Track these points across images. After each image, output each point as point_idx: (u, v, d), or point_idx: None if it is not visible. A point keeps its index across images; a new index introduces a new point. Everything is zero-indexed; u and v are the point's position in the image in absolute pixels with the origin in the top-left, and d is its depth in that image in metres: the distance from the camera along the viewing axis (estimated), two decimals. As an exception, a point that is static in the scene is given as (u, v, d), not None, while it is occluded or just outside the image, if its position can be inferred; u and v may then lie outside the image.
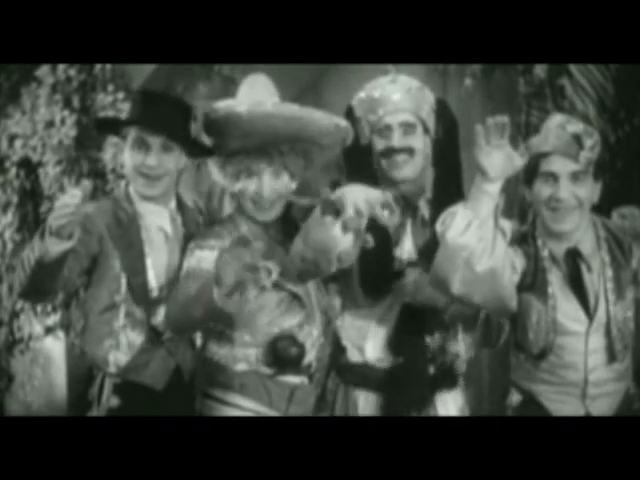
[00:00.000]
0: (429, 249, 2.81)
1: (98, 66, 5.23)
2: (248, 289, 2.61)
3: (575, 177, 2.75)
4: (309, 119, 2.85)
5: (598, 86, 4.53)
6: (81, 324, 2.95)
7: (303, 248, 2.72)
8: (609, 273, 2.82)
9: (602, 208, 2.91)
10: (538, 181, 2.78)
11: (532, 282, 2.80)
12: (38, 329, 5.54)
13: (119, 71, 5.25)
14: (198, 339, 2.98)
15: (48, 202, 5.18)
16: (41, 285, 2.72)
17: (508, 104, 4.64)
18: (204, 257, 2.82)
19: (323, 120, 2.87)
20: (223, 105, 2.88)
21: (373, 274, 2.93)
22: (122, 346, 2.87)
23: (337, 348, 3.03)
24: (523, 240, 2.84)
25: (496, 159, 2.60)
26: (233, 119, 2.83)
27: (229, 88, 4.55)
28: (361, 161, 3.01)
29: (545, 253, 2.82)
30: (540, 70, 4.63)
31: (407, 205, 2.99)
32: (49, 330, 5.49)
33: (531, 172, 2.78)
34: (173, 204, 3.01)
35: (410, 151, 2.95)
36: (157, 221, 2.95)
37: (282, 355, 2.85)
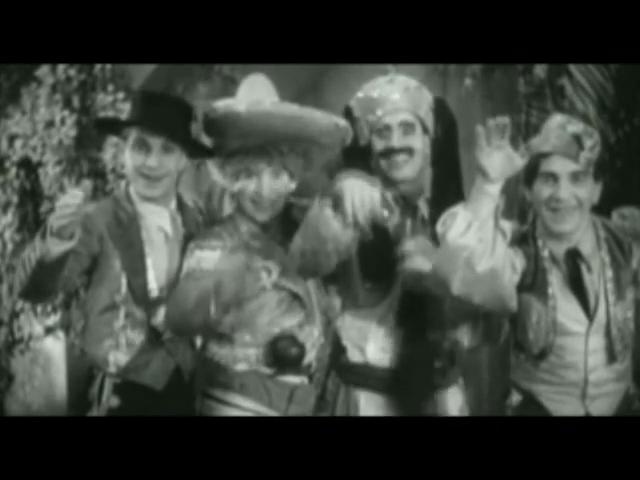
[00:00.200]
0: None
1: (98, 66, 5.23)
2: (245, 304, 2.68)
3: (575, 177, 2.75)
4: (309, 118, 2.85)
5: (598, 86, 4.53)
6: (81, 324, 2.95)
7: (302, 243, 2.73)
8: (609, 273, 2.82)
9: (602, 208, 2.91)
10: (538, 181, 2.78)
11: (532, 282, 2.80)
12: (38, 329, 5.54)
13: (119, 71, 5.25)
14: (198, 339, 2.98)
15: (48, 202, 5.18)
16: (42, 285, 2.72)
17: (508, 104, 4.64)
18: (204, 257, 2.82)
19: (322, 119, 2.87)
20: (222, 104, 2.89)
21: (374, 259, 2.91)
22: (122, 346, 2.87)
23: (337, 348, 3.03)
24: (523, 240, 2.84)
25: (497, 160, 2.60)
26: (232, 118, 2.83)
27: (229, 88, 4.55)
28: (360, 162, 3.00)
29: (545, 253, 2.82)
30: (540, 70, 4.63)
31: (407, 205, 2.99)
32: (49, 330, 5.49)
33: (531, 172, 2.78)
34: (173, 204, 3.01)
35: (410, 151, 2.94)
36: (157, 221, 2.95)
37: (282, 355, 2.85)
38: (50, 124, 5.21)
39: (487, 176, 2.60)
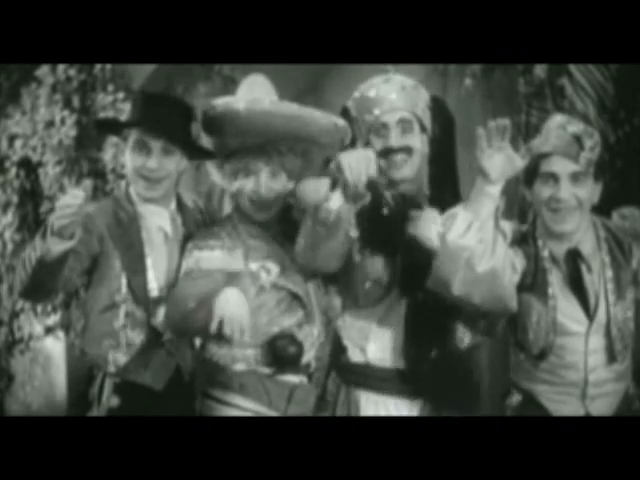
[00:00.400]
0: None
1: (98, 66, 5.24)
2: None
3: (575, 178, 2.75)
4: (308, 118, 2.85)
5: (598, 86, 4.53)
6: (81, 324, 2.95)
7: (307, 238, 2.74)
8: (609, 273, 2.82)
9: (602, 208, 2.91)
10: (538, 182, 2.78)
11: (532, 282, 2.80)
12: (38, 329, 5.55)
13: (119, 71, 5.26)
14: (197, 339, 2.98)
15: (48, 202, 5.19)
16: (42, 284, 2.72)
17: (508, 104, 4.64)
18: (203, 257, 2.83)
19: (322, 119, 2.87)
20: (221, 102, 2.88)
21: (374, 229, 2.91)
22: (122, 346, 2.87)
23: (338, 348, 3.03)
24: (523, 241, 2.84)
25: (497, 161, 2.60)
26: (231, 116, 2.83)
27: (229, 88, 4.55)
28: None
29: (545, 253, 2.82)
30: (540, 70, 4.63)
31: (407, 204, 2.99)
32: (49, 330, 5.50)
33: (531, 173, 2.79)
34: (173, 205, 3.01)
35: (408, 150, 2.93)
36: (157, 221, 2.95)
37: (281, 354, 2.85)
38: (50, 124, 5.22)
39: (488, 177, 2.61)
